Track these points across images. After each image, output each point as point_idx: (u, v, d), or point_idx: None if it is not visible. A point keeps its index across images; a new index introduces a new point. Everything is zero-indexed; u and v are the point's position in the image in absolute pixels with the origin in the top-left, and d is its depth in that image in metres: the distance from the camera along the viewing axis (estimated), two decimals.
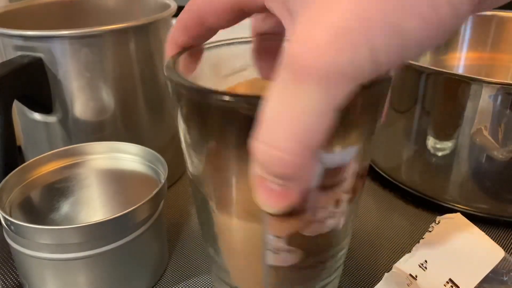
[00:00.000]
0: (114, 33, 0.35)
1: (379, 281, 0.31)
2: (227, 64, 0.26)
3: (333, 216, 0.22)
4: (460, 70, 0.51)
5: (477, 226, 0.36)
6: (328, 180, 0.20)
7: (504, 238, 0.36)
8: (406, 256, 0.26)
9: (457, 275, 0.25)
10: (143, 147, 0.34)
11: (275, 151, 0.15)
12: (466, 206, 0.37)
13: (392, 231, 0.37)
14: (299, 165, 0.15)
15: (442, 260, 0.26)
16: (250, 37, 0.25)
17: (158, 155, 0.33)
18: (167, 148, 0.41)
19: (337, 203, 0.21)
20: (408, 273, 0.25)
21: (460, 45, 0.50)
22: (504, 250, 0.28)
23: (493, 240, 0.35)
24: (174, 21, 0.41)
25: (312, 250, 0.23)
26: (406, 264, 0.25)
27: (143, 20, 0.36)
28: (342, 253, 0.26)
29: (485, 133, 0.34)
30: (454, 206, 0.38)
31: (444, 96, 0.35)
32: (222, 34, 0.24)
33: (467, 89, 0.33)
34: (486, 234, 0.36)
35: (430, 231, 0.27)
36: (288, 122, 0.14)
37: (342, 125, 0.17)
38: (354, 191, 0.22)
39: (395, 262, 0.32)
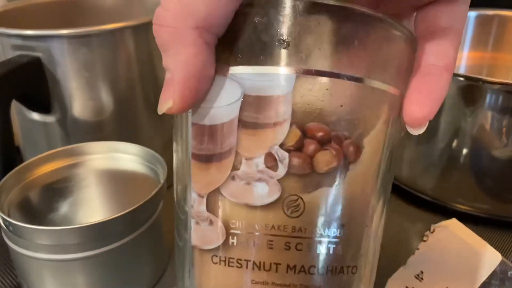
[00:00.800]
0: (113, 32, 0.35)
1: (379, 281, 0.31)
2: None
3: (264, 180, 0.18)
4: (461, 70, 0.50)
5: (479, 227, 0.36)
6: (250, 112, 0.18)
7: (505, 238, 0.36)
8: (401, 268, 0.26)
9: (454, 283, 0.25)
10: (142, 147, 0.34)
11: (162, 9, 0.16)
12: (467, 206, 0.37)
13: (393, 232, 0.37)
14: (176, 32, 0.16)
15: (439, 270, 0.25)
16: None
17: (157, 155, 0.33)
18: (167, 148, 0.41)
19: (270, 160, 0.18)
20: (405, 286, 0.24)
21: (462, 44, 0.50)
22: (505, 251, 0.28)
23: (494, 240, 0.35)
24: None
25: (236, 229, 0.19)
26: (402, 276, 0.25)
27: (142, 19, 0.36)
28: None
29: (487, 133, 0.33)
30: (455, 206, 0.38)
31: (445, 96, 0.35)
32: None
33: (469, 89, 0.33)
34: (487, 234, 0.36)
35: (425, 241, 0.27)
36: None
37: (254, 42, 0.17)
38: (307, 158, 0.18)
39: (395, 262, 0.32)
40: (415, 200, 0.40)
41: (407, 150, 0.39)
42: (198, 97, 0.18)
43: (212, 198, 0.19)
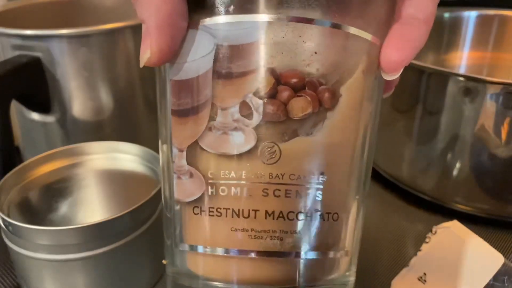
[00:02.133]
0: (112, 32, 0.35)
1: (381, 282, 0.31)
2: None
3: (240, 129, 0.18)
4: (461, 70, 0.50)
5: (479, 227, 0.36)
6: (223, 63, 0.18)
7: (505, 238, 0.35)
8: (404, 270, 0.25)
9: (457, 285, 0.25)
10: (142, 147, 0.34)
11: None
12: (467, 206, 0.37)
13: (393, 232, 0.37)
14: None
15: (441, 272, 0.25)
16: None
17: (157, 155, 0.32)
18: None
19: (245, 109, 0.18)
20: None
21: (462, 44, 0.50)
22: (505, 251, 0.28)
23: (494, 240, 0.35)
24: None
25: (214, 178, 0.19)
26: (404, 279, 0.25)
27: None
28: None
29: (487, 133, 0.33)
30: (456, 206, 0.37)
31: (446, 96, 0.35)
32: None
33: (469, 89, 0.33)
34: (487, 235, 0.36)
35: (427, 242, 0.27)
36: None
37: None
38: (281, 105, 0.18)
39: (396, 263, 0.32)
40: (415, 200, 0.40)
41: (407, 150, 0.39)
42: (174, 46, 0.18)
43: (191, 151, 0.19)
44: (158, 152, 0.33)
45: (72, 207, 0.29)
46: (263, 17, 0.17)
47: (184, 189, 0.20)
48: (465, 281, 0.25)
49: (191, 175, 0.20)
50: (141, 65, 0.19)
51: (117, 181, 0.32)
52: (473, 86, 0.33)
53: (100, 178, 0.33)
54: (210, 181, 0.19)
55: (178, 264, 0.22)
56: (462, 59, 0.50)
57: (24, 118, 0.39)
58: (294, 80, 0.18)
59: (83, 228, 0.26)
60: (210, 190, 0.19)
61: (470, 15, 0.49)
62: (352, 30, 0.19)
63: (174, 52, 0.18)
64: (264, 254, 0.19)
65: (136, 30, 0.36)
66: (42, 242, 0.26)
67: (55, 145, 0.36)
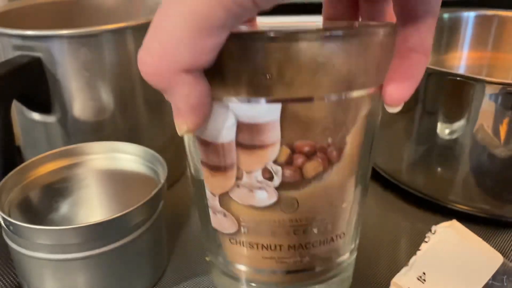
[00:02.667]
0: (113, 32, 0.35)
1: (380, 282, 0.31)
2: None
3: (263, 188, 0.21)
4: (461, 70, 0.51)
5: (478, 227, 0.36)
6: (245, 136, 0.20)
7: (505, 238, 0.36)
8: (404, 269, 0.26)
9: (456, 285, 0.25)
10: (143, 147, 0.34)
11: (144, 52, 0.18)
12: (467, 206, 0.37)
13: (392, 232, 0.37)
14: (164, 79, 0.17)
15: (441, 271, 0.25)
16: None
17: (157, 155, 0.33)
18: (167, 148, 0.41)
19: (266, 173, 0.21)
20: (407, 287, 0.24)
21: (461, 44, 0.50)
22: (505, 251, 0.28)
23: (494, 240, 0.35)
24: None
25: (245, 221, 0.23)
26: (404, 278, 0.25)
27: (142, 19, 0.36)
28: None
29: (487, 133, 0.34)
30: (455, 206, 0.38)
31: (445, 96, 0.35)
32: None
33: (468, 89, 0.33)
34: (487, 234, 0.36)
35: (426, 242, 0.27)
36: (160, 34, 0.17)
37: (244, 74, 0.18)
38: (297, 169, 0.21)
39: (395, 262, 0.32)
40: (415, 200, 0.40)
41: (407, 150, 0.39)
42: (205, 119, 0.20)
43: (223, 198, 0.23)
44: (158, 152, 0.33)
45: (72, 207, 0.29)
46: (275, 99, 0.19)
47: (219, 223, 0.24)
48: (464, 281, 0.25)
49: (225, 215, 0.23)
50: (180, 134, 0.20)
51: (118, 181, 0.32)
52: (472, 86, 0.33)
53: (101, 178, 0.33)
54: (242, 223, 0.23)
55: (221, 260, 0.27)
56: (461, 59, 0.50)
57: (25, 118, 0.39)
58: (306, 149, 0.21)
59: (83, 227, 0.26)
60: (242, 229, 0.23)
61: (470, 15, 0.49)
62: (355, 93, 0.21)
63: (206, 121, 0.20)
64: (288, 272, 0.25)
65: (137, 30, 0.36)
66: (43, 242, 0.26)
67: (56, 145, 0.36)
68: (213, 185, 0.23)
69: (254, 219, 0.23)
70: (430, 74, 0.35)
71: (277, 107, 0.19)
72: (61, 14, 0.45)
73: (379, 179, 0.43)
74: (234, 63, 0.19)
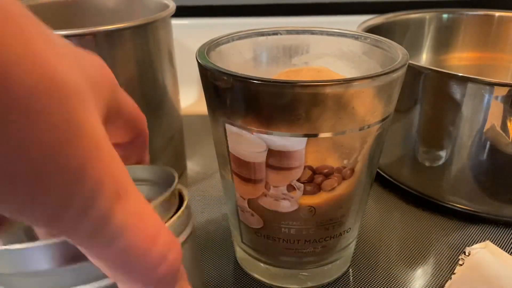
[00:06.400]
0: (112, 33, 0.35)
1: (380, 282, 0.31)
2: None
3: (287, 199, 0.25)
4: (460, 70, 0.51)
5: (478, 226, 0.36)
6: (274, 160, 0.24)
7: (504, 238, 0.36)
8: None
9: None
10: (152, 167, 0.28)
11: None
12: (466, 206, 0.37)
13: (392, 231, 0.37)
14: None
15: None
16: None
17: (170, 170, 0.26)
18: (166, 148, 0.41)
19: (290, 188, 0.25)
20: None
21: (461, 44, 0.50)
22: (504, 251, 0.28)
23: (494, 240, 0.35)
24: (173, 21, 0.41)
25: (269, 221, 0.27)
26: None
27: (142, 20, 0.36)
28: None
29: (488, 132, 0.34)
30: (455, 206, 0.38)
31: (444, 96, 0.35)
32: None
33: (467, 89, 0.33)
34: (487, 234, 0.36)
35: (460, 265, 0.27)
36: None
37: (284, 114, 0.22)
38: (316, 185, 0.25)
39: (393, 262, 0.32)
40: (415, 200, 0.40)
41: (407, 150, 0.40)
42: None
43: (251, 202, 0.27)
44: (158, 152, 0.33)
45: None
46: (303, 134, 0.23)
47: (246, 219, 0.28)
48: None
49: (252, 214, 0.27)
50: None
51: None
52: (471, 87, 0.33)
53: None
54: (266, 223, 0.27)
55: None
56: (461, 60, 0.50)
57: None
58: (326, 171, 0.24)
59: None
60: (267, 227, 0.27)
61: (469, 16, 0.49)
62: (369, 125, 0.24)
63: None
64: (303, 262, 0.29)
65: (137, 30, 0.36)
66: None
67: None
68: (243, 191, 0.27)
69: (278, 220, 0.27)
70: (429, 74, 0.35)
71: (303, 140, 0.23)
72: (61, 14, 0.45)
73: (378, 179, 0.43)
74: (270, 106, 0.22)
